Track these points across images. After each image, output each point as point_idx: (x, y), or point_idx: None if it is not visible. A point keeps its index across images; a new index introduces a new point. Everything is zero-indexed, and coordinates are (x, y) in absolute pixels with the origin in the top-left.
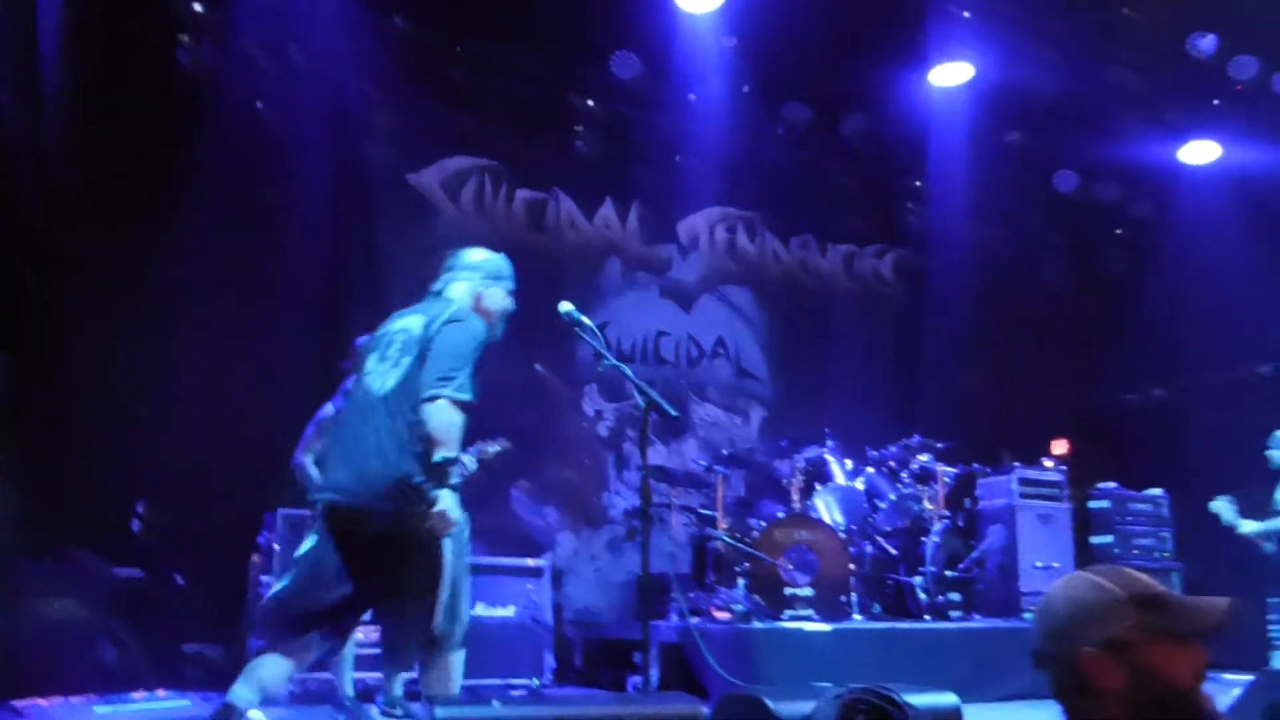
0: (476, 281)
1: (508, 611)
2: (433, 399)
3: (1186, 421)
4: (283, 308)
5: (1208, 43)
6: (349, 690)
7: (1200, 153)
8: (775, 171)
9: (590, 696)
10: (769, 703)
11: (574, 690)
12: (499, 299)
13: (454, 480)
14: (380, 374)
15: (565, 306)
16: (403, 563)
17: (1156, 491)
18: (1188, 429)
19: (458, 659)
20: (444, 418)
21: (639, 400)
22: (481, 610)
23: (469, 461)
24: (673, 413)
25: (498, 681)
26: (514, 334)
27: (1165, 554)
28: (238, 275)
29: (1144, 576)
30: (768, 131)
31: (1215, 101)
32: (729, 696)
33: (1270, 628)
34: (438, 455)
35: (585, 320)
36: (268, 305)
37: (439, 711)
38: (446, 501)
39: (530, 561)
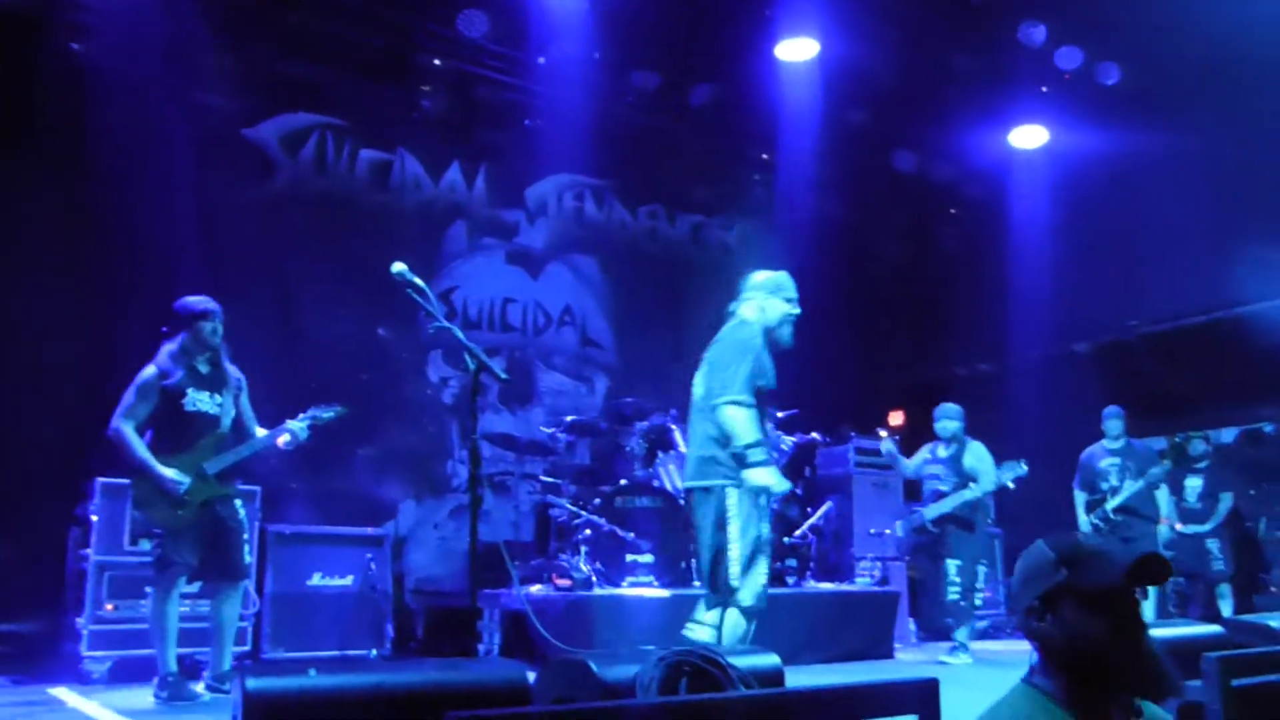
0: (759, 299)
1: (346, 581)
2: (715, 409)
3: (1011, 395)
4: (105, 266)
5: (1038, 32)
6: (172, 666)
7: (1029, 137)
8: (625, 140)
9: (416, 665)
10: (594, 667)
11: (405, 660)
12: (778, 309)
13: (760, 459)
14: (697, 384)
15: (397, 267)
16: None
17: None
18: (1012, 402)
19: (737, 618)
20: (727, 418)
21: (469, 363)
22: (319, 580)
23: (299, 429)
24: (502, 376)
25: (334, 653)
26: (355, 297)
27: (989, 520)
28: (56, 231)
29: (1088, 539)
30: (618, 99)
31: (1044, 89)
32: (554, 661)
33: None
34: (733, 447)
35: (417, 281)
36: (89, 263)
37: (250, 683)
38: (762, 476)
39: (370, 530)
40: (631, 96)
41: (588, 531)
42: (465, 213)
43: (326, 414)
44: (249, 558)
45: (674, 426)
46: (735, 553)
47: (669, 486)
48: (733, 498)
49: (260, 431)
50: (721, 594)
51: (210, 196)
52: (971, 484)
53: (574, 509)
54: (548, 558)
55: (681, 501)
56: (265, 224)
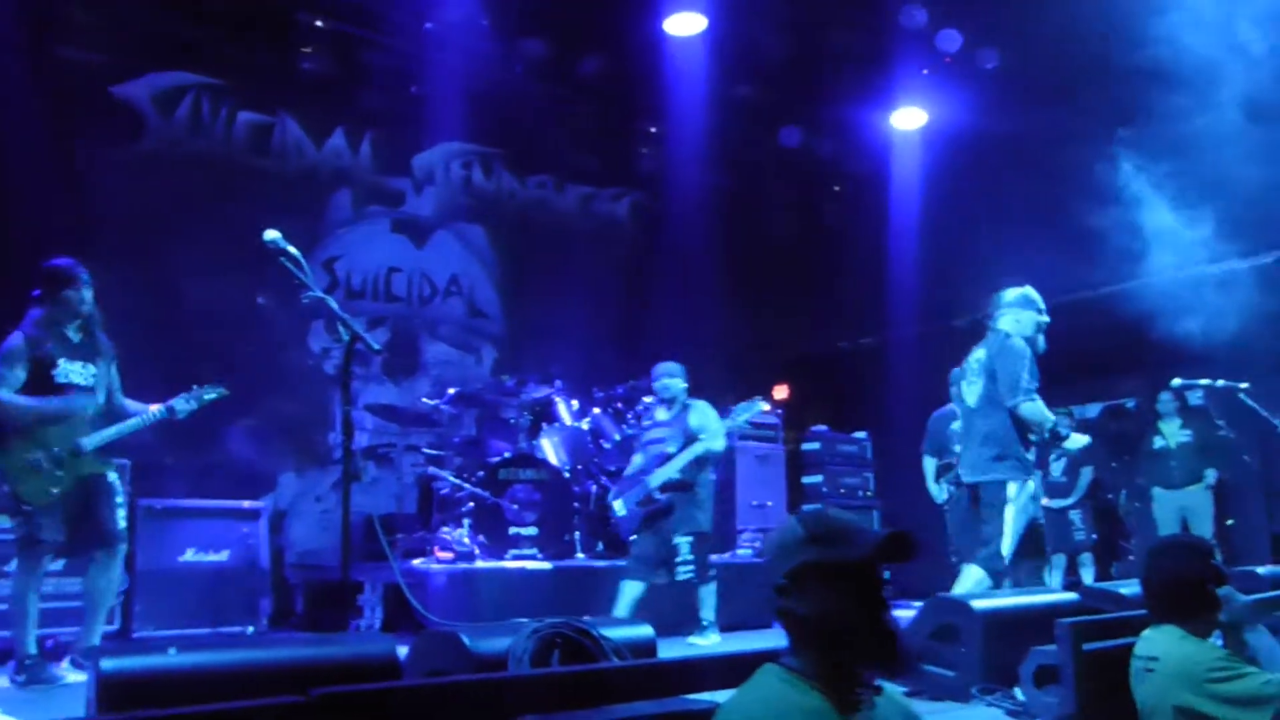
0: (1014, 313)
1: (221, 556)
2: (1015, 406)
3: (890, 369)
4: None
5: (920, 15)
6: (31, 649)
7: (910, 118)
8: (514, 109)
9: (284, 640)
10: (465, 639)
11: (278, 635)
12: (1031, 319)
13: (1065, 430)
14: (970, 392)
15: (270, 234)
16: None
17: (861, 434)
18: (891, 376)
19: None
20: (1027, 411)
21: (342, 334)
22: (192, 556)
23: (181, 409)
24: (375, 347)
25: (207, 630)
26: (232, 264)
27: (868, 493)
28: None
29: (839, 516)
30: (506, 68)
31: (925, 71)
32: (426, 634)
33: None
34: (1033, 436)
35: (291, 250)
36: None
37: (105, 664)
38: (1076, 440)
39: (246, 504)
40: (520, 65)
41: (471, 504)
42: (350, 179)
43: (209, 394)
44: (123, 522)
45: (558, 399)
46: (1009, 532)
47: (553, 459)
48: (1012, 489)
49: (131, 405)
50: (993, 564)
51: (77, 156)
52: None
53: (457, 481)
54: (430, 530)
55: (567, 475)
56: (136, 186)
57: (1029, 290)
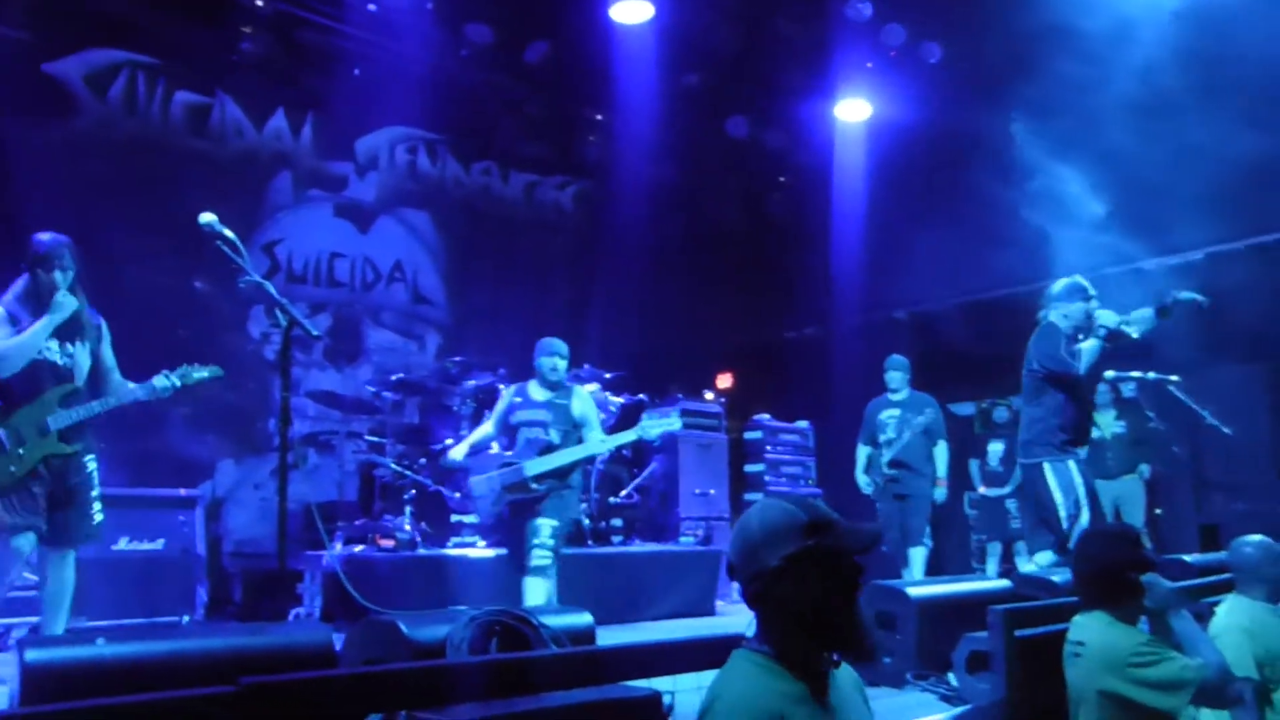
0: (1061, 307)
1: (156, 545)
2: (1063, 371)
3: (833, 359)
4: None
5: (865, 8)
6: None
7: (854, 110)
8: (460, 95)
9: (217, 629)
10: (403, 627)
11: (208, 625)
12: (1080, 310)
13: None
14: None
15: (206, 217)
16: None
17: (803, 424)
18: (833, 366)
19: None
20: (1088, 356)
21: (280, 319)
22: (126, 544)
23: (164, 387)
24: (314, 333)
25: (142, 620)
26: (169, 248)
27: (810, 481)
28: None
29: (824, 506)
30: (451, 53)
31: (869, 64)
32: (364, 622)
33: None
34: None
35: (227, 233)
36: None
37: (30, 655)
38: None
39: (183, 491)
40: (466, 50)
41: (413, 492)
42: (291, 163)
43: (199, 373)
44: (98, 517)
45: (502, 386)
46: (1062, 511)
47: (496, 446)
48: (1048, 471)
49: (129, 387)
50: (1059, 535)
51: (6, 135)
52: (588, 435)
53: (399, 469)
54: (372, 518)
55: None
56: (68, 167)
57: (1078, 279)
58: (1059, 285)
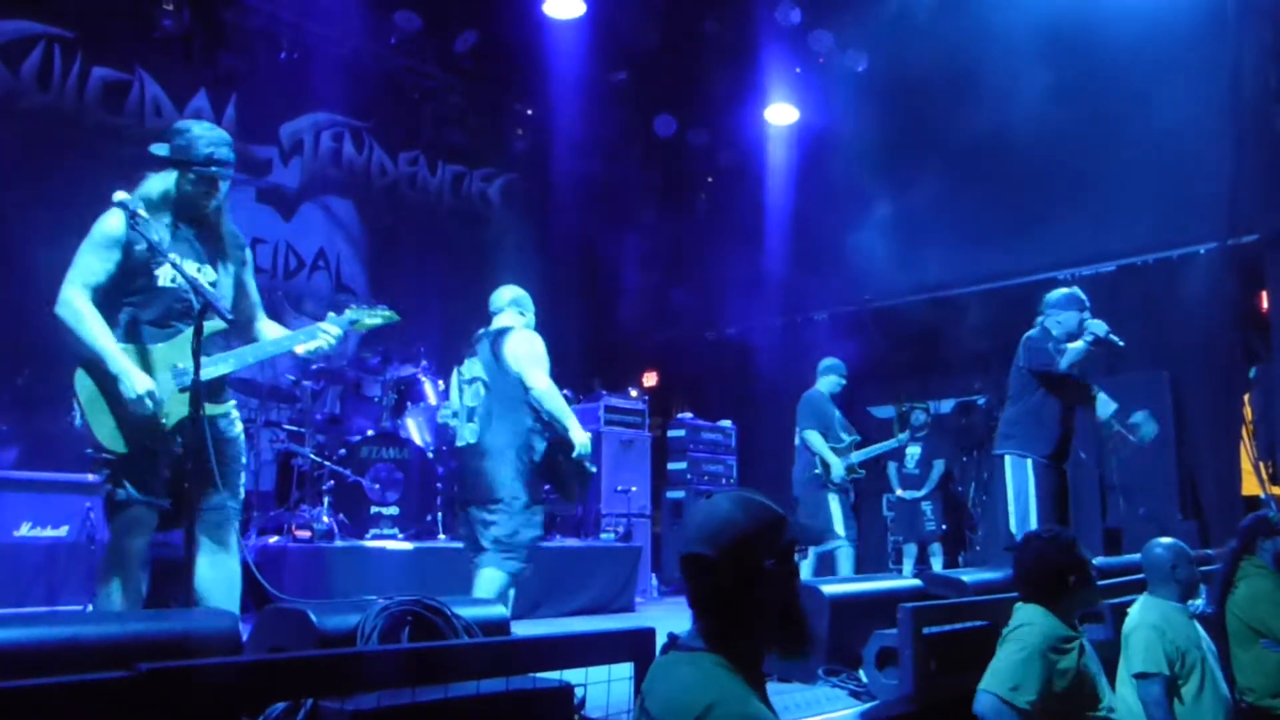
0: (1054, 314)
1: (60, 532)
2: (1058, 366)
3: (755, 359)
4: None
5: (794, 14)
6: None
7: (782, 114)
8: (387, 83)
9: (117, 616)
10: (311, 615)
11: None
12: (1074, 319)
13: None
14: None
15: (119, 195)
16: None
17: (726, 423)
18: (756, 366)
19: None
20: (1073, 354)
21: (194, 303)
22: (28, 530)
23: (333, 333)
24: (228, 318)
25: (43, 608)
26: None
27: (731, 480)
28: None
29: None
30: (380, 39)
31: (797, 69)
32: (271, 610)
33: None
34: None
35: (142, 213)
36: None
37: None
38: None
39: (91, 477)
40: (394, 37)
41: (331, 482)
42: None
43: (372, 318)
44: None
45: (424, 378)
46: (1011, 507)
47: (416, 439)
48: (1008, 466)
49: (274, 329)
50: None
51: None
52: None
53: (317, 459)
54: (289, 508)
55: (430, 455)
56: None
57: (1074, 290)
58: (1056, 294)
